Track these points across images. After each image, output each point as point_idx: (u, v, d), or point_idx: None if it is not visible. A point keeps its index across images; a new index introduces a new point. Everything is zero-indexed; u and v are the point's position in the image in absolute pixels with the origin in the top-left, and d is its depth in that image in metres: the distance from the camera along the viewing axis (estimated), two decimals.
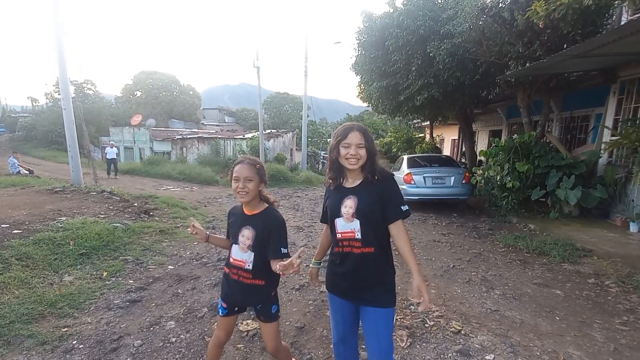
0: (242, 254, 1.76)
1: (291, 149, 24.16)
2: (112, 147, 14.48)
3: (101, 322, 2.80)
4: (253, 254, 1.74)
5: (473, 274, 4.02)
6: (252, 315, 2.83)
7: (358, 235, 1.59)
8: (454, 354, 2.41)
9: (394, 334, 2.47)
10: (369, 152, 1.60)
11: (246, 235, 1.74)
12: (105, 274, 3.68)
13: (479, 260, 4.51)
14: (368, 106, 13.55)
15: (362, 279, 1.61)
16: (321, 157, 25.97)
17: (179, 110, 37.85)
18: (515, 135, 7.64)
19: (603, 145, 6.28)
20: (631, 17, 6.00)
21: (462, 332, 2.69)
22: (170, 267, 4.10)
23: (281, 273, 1.50)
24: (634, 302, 3.23)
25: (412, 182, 7.57)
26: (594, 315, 3.02)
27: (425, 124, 16.85)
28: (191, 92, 40.56)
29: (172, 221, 6.13)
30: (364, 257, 1.60)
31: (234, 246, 1.80)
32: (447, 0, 8.25)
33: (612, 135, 6.26)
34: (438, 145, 16.39)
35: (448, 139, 17.12)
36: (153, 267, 4.04)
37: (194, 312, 2.99)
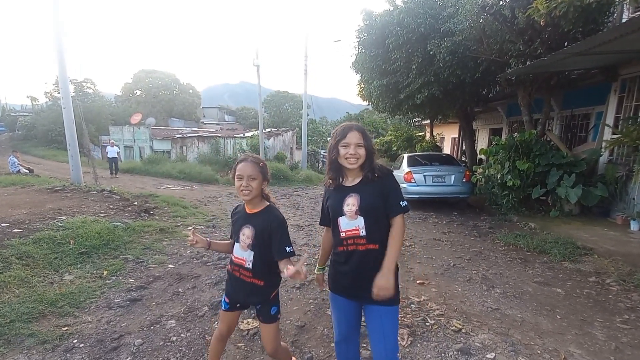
0: (242, 253, 1.77)
1: (291, 148, 24.14)
2: (112, 146, 14.39)
3: (102, 321, 2.80)
4: (252, 253, 1.74)
5: (474, 272, 4.01)
6: (253, 314, 2.83)
7: (362, 232, 1.60)
8: (455, 352, 2.41)
9: None
10: (368, 151, 1.62)
11: (246, 234, 1.75)
12: (105, 272, 3.68)
13: (479, 259, 4.51)
14: (368, 105, 13.54)
15: (366, 276, 1.60)
16: (321, 155, 25.95)
17: (179, 109, 37.79)
18: (516, 133, 7.62)
19: (604, 144, 6.27)
20: (632, 15, 5.98)
21: (463, 330, 2.69)
22: (170, 265, 4.09)
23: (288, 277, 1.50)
24: (634, 301, 3.23)
25: (413, 181, 7.57)
26: (595, 314, 3.02)
27: (426, 122, 16.84)
28: (191, 91, 40.48)
29: (172, 220, 6.13)
30: (369, 254, 1.61)
31: (236, 244, 1.81)
32: None
33: (613, 133, 6.25)
34: (438, 144, 16.39)
35: (448, 137, 17.10)
36: (153, 266, 4.04)
37: (195, 311, 2.99)
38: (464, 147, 13.18)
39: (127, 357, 2.34)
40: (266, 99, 44.71)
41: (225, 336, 1.94)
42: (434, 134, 16.66)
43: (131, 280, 3.62)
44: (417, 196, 7.51)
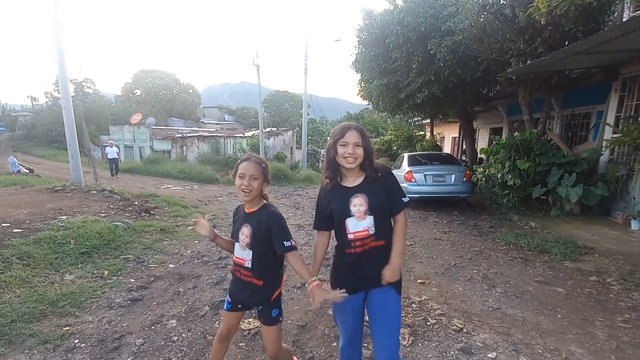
0: (242, 252, 1.79)
1: (291, 147, 24.14)
2: (112, 147, 14.24)
3: (102, 321, 2.80)
4: (251, 252, 1.75)
5: (474, 272, 4.01)
6: (254, 314, 2.83)
7: (372, 231, 1.62)
8: (456, 352, 2.41)
9: None
10: (366, 150, 1.64)
11: (245, 233, 1.76)
12: (106, 272, 3.68)
13: (480, 258, 4.50)
14: (368, 104, 13.53)
15: (371, 269, 1.63)
16: (321, 155, 25.94)
17: (179, 108, 37.79)
18: (516, 132, 7.62)
19: (604, 143, 6.27)
20: (633, 14, 5.98)
21: (464, 330, 2.69)
22: (171, 265, 4.09)
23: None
24: (635, 300, 3.22)
25: (413, 180, 7.56)
26: (596, 313, 3.01)
27: (426, 121, 16.82)
28: (191, 91, 40.47)
29: (172, 220, 6.13)
30: (375, 250, 1.64)
31: (236, 244, 1.82)
32: None
33: (614, 132, 6.24)
34: (438, 143, 16.37)
35: (448, 136, 17.09)
36: (154, 265, 4.04)
37: (196, 311, 2.99)
38: (464, 147, 13.17)
39: (128, 357, 2.34)
40: (266, 98, 44.69)
41: (226, 337, 1.94)
42: (434, 133, 16.64)
43: (132, 280, 3.62)
44: (418, 195, 7.51)
